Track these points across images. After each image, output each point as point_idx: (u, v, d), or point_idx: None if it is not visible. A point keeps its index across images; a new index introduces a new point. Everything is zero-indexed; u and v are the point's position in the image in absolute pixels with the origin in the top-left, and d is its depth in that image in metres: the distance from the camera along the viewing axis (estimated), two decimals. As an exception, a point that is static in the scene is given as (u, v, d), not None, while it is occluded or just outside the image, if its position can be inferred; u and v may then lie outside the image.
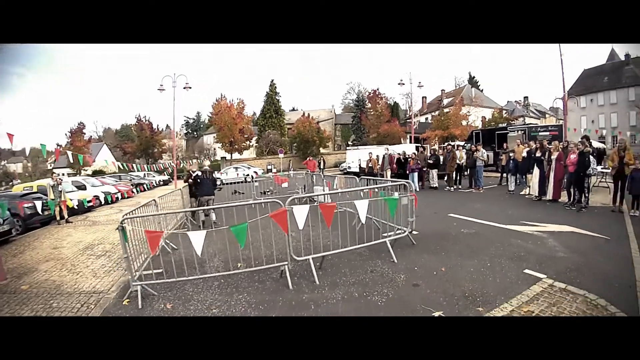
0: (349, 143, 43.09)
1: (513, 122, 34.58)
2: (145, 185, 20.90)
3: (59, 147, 28.70)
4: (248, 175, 17.30)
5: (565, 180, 7.68)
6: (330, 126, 45.96)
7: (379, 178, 11.44)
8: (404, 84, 25.62)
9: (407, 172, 12.93)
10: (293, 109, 54.91)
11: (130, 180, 20.78)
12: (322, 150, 36.61)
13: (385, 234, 5.07)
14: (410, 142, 25.89)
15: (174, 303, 3.72)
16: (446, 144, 17.46)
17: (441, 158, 13.40)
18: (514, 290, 3.44)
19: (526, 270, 3.96)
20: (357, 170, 20.26)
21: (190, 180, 8.05)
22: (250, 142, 34.83)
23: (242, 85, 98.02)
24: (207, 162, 8.02)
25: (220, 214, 6.78)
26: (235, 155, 33.94)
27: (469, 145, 16.49)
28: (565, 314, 2.89)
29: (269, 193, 12.27)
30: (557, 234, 5.41)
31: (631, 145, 6.77)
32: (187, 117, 63.02)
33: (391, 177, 13.44)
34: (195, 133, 60.80)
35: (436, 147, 23.58)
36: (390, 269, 4.30)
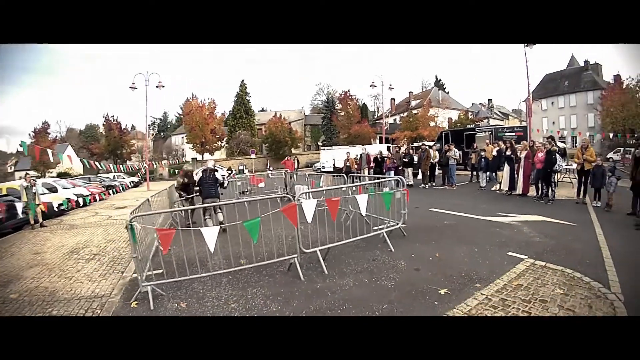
0: (319, 144, 44.03)
1: (478, 123, 36.91)
2: (120, 187, 20.01)
3: (33, 144, 26.56)
4: (223, 175, 17.34)
5: (533, 176, 8.52)
6: (300, 127, 46.65)
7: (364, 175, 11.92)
8: (375, 85, 26.66)
9: (384, 170, 13.55)
10: (262, 110, 54.96)
11: (101, 182, 19.79)
12: (293, 150, 37.19)
13: (375, 227, 5.40)
14: (381, 143, 26.95)
15: (188, 301, 3.67)
16: (421, 144, 18.34)
17: (415, 157, 14.21)
18: (503, 269, 3.91)
19: (509, 253, 4.48)
20: (332, 169, 20.71)
21: (185, 181, 7.57)
22: (221, 142, 34.54)
23: (210, 85, 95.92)
24: (210, 160, 7.63)
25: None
26: (206, 156, 33.50)
27: (438, 145, 17.51)
28: (548, 285, 3.38)
29: (247, 193, 12.36)
30: (531, 223, 6.08)
31: (590, 145, 7.64)
32: (154, 117, 60.79)
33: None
34: (161, 134, 58.73)
35: (404, 147, 24.80)
36: (390, 258, 4.65)
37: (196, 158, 34.42)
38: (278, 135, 35.69)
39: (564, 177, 10.70)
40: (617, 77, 30.98)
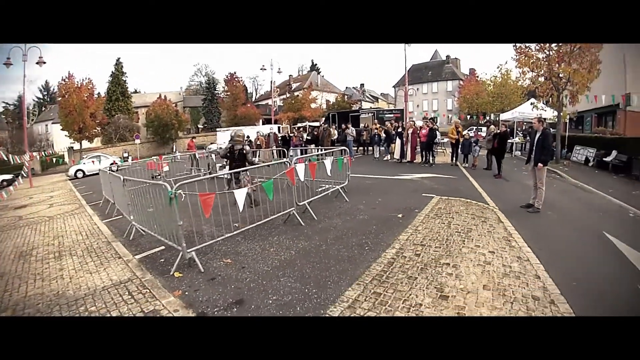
0: (199, 126, 42.39)
1: (354, 105, 42.46)
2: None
3: None
4: (113, 164, 15.52)
5: (418, 147, 11.72)
6: (180, 109, 43.45)
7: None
8: (265, 69, 27.55)
9: (291, 147, 15.26)
10: (135, 91, 48.41)
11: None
12: (180, 134, 35.29)
13: (319, 189, 6.80)
14: (269, 123, 28.61)
15: (229, 257, 4.10)
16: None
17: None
18: (424, 202, 6.10)
19: (423, 194, 6.82)
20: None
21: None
22: (102, 127, 29.47)
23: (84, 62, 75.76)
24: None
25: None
26: (85, 144, 28.13)
27: (326, 125, 20.18)
28: (455, 206, 5.72)
29: (158, 177, 11.97)
30: (426, 178, 8.86)
31: (460, 125, 11.27)
32: (7, 103, 45.73)
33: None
34: (17, 122, 44.47)
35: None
36: (350, 205, 6.28)
37: (72, 147, 28.12)
38: (164, 117, 32.75)
39: (439, 148, 14.70)
40: (472, 71, 41.14)
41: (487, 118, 25.10)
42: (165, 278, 3.73)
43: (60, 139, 30.82)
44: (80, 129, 26.15)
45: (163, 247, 4.68)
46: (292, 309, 2.85)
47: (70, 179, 17.97)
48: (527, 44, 10.87)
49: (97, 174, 11.31)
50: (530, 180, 5.94)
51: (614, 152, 10.31)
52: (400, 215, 5.37)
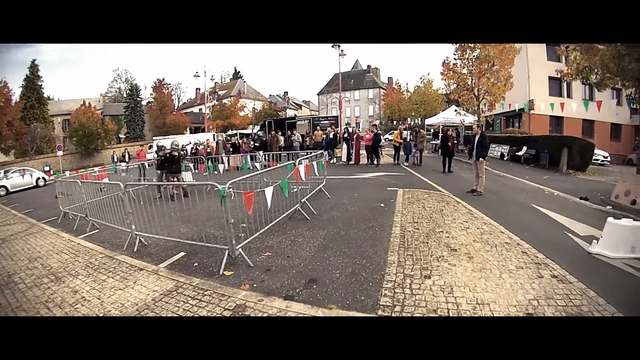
0: (120, 136, 38.41)
1: (280, 112, 43.53)
2: None
3: None
4: (39, 179, 13.70)
5: (363, 151, 13.34)
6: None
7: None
8: (199, 75, 26.74)
9: (241, 154, 15.65)
10: (49, 98, 41.45)
11: None
12: (107, 144, 31.87)
13: (305, 187, 7.59)
14: (203, 132, 27.99)
15: (268, 250, 4.48)
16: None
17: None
18: (394, 194, 7.41)
19: (388, 188, 8.19)
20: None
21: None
22: (17, 139, 24.52)
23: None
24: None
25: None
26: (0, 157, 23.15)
27: (262, 132, 20.82)
28: (419, 195, 7.18)
29: (104, 189, 11.14)
30: (382, 176, 10.39)
31: (403, 130, 13.32)
32: None
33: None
34: None
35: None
36: (334, 201, 7.19)
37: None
38: (90, 126, 28.76)
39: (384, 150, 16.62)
40: (390, 79, 45.68)
41: (411, 123, 29.01)
42: (216, 279, 3.79)
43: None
44: (-6, 141, 21.57)
45: (184, 253, 4.81)
46: (358, 275, 3.63)
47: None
48: (454, 61, 13.89)
49: (28, 189, 9.77)
50: (465, 172, 7.87)
51: (525, 148, 13.80)
52: (383, 205, 6.55)
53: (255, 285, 3.60)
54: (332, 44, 20.04)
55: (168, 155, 8.48)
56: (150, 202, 5.92)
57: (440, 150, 12.10)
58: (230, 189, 4.06)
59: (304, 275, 3.75)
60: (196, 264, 4.44)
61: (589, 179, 11.34)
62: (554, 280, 3.34)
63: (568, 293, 3.07)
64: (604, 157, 16.92)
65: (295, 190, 6.08)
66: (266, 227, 4.88)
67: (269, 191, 4.86)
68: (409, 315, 2.84)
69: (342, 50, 20.94)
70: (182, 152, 8.83)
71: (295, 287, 3.50)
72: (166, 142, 21.49)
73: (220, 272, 3.92)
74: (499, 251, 4.06)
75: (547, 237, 4.66)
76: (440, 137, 11.49)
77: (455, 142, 13.44)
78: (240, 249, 4.21)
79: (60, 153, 23.62)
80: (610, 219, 4.14)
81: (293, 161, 6.46)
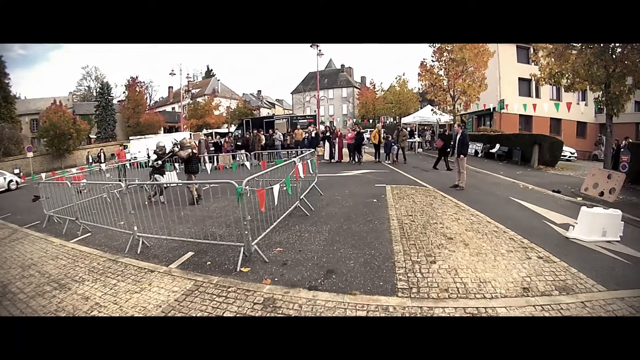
0: (91, 136, 36.42)
1: (255, 111, 43.07)
2: None
3: None
4: (12, 181, 13.45)
5: (345, 148, 13.73)
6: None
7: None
8: (175, 74, 25.90)
9: (223, 152, 15.63)
10: (16, 97, 38.62)
11: None
12: (78, 145, 30.43)
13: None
14: (177, 131, 27.25)
15: (278, 246, 4.64)
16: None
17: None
18: (384, 190, 7.82)
19: (376, 185, 8.61)
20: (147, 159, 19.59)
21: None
22: None
23: None
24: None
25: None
26: None
27: (239, 131, 20.71)
28: (407, 190, 7.65)
29: (85, 192, 10.75)
30: (366, 173, 10.81)
31: (382, 129, 13.83)
32: None
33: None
34: None
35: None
36: (328, 197, 7.48)
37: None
38: (62, 126, 26.98)
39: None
40: (364, 79, 46.41)
41: (386, 122, 29.95)
42: (235, 275, 3.85)
43: None
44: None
45: (192, 253, 4.85)
46: (371, 264, 3.93)
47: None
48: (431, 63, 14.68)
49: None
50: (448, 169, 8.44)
51: (497, 145, 14.80)
52: (375, 200, 6.94)
53: (276, 279, 3.72)
54: (310, 44, 20.26)
55: (191, 154, 8.06)
56: (144, 202, 5.88)
57: (439, 150, 12.63)
58: (247, 187, 4.21)
59: (320, 267, 3.97)
60: (209, 262, 4.47)
61: (559, 173, 12.47)
62: (540, 260, 3.88)
63: (554, 270, 3.60)
64: (571, 153, 18.35)
65: (294, 186, 6.28)
66: (275, 223, 5.06)
67: (276, 188, 5.05)
68: (418, 307, 2.99)
69: (319, 50, 21.19)
70: (195, 151, 8.48)
71: (315, 278, 3.71)
72: (166, 140, 20.79)
73: (237, 269, 3.98)
74: (490, 238, 4.56)
75: (528, 225, 5.26)
76: (438, 136, 12.05)
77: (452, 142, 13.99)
78: (255, 246, 4.33)
79: (30, 154, 22.32)
80: (584, 208, 4.81)
81: (293, 159, 6.69)
